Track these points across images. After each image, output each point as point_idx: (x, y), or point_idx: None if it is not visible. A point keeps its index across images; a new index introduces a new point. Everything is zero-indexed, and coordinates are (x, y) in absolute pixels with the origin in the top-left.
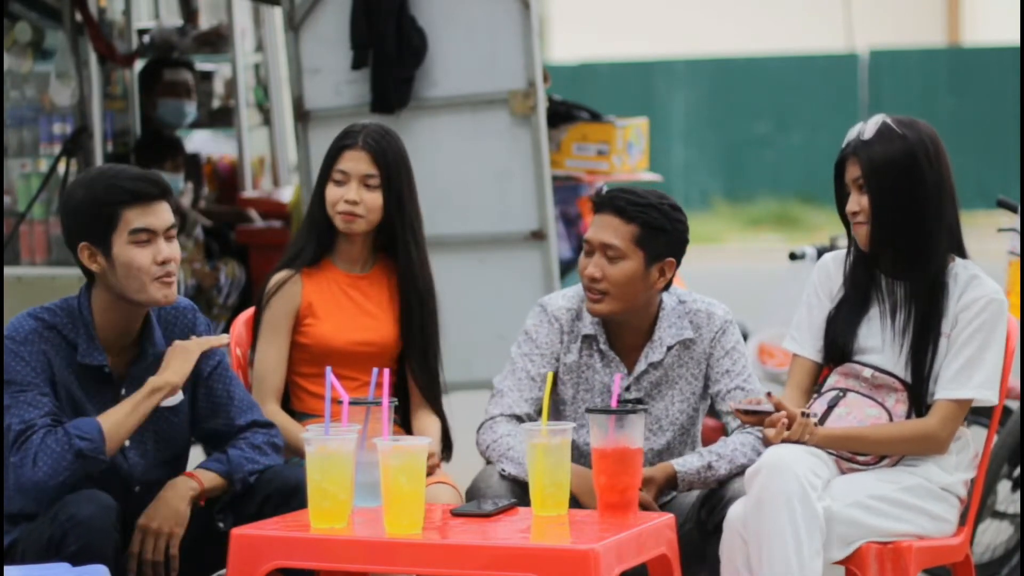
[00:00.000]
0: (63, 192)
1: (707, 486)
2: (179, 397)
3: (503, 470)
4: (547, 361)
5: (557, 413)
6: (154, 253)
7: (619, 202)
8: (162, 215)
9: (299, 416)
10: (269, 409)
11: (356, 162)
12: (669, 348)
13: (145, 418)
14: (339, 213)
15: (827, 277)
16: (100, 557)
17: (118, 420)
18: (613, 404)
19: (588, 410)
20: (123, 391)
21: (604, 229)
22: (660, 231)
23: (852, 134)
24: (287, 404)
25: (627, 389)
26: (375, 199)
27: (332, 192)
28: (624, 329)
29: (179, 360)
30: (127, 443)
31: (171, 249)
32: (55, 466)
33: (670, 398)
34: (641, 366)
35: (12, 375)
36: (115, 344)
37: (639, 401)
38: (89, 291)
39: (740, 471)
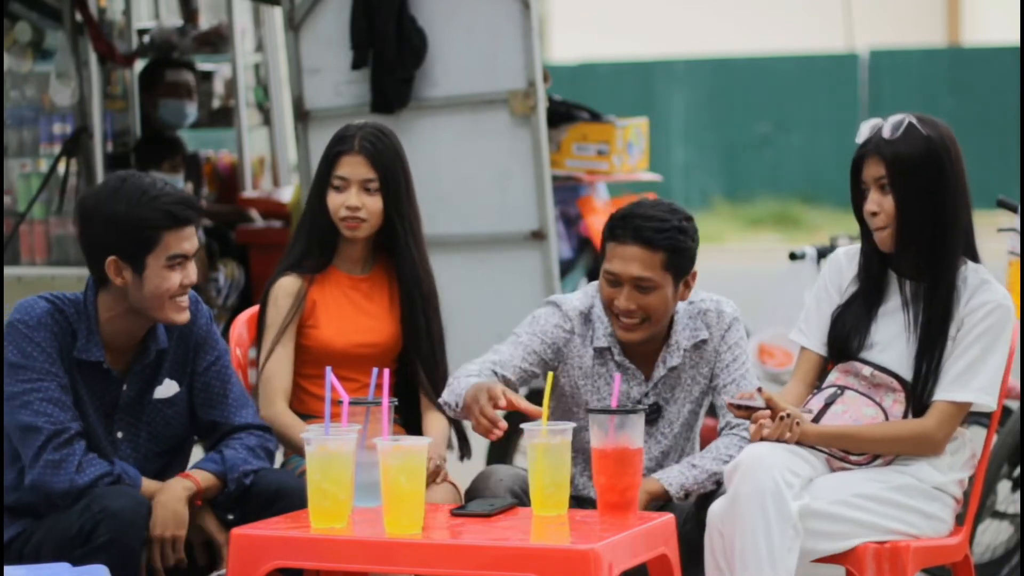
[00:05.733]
0: (90, 200)
1: (704, 487)
2: (174, 388)
3: (441, 400)
4: (548, 348)
5: (571, 416)
6: (183, 276)
7: (644, 232)
8: (194, 239)
9: (301, 418)
10: (278, 409)
11: (354, 167)
12: (686, 351)
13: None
14: (342, 220)
15: (838, 272)
16: (128, 551)
17: (151, 489)
18: (613, 404)
19: (588, 410)
20: (124, 387)
21: (631, 263)
22: (684, 250)
23: (867, 131)
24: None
25: (646, 395)
26: (375, 203)
27: (333, 199)
28: (640, 340)
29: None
30: (119, 434)
31: (195, 271)
32: (96, 478)
33: (682, 400)
34: (660, 371)
35: (27, 360)
36: (119, 343)
37: (656, 407)
38: (96, 291)
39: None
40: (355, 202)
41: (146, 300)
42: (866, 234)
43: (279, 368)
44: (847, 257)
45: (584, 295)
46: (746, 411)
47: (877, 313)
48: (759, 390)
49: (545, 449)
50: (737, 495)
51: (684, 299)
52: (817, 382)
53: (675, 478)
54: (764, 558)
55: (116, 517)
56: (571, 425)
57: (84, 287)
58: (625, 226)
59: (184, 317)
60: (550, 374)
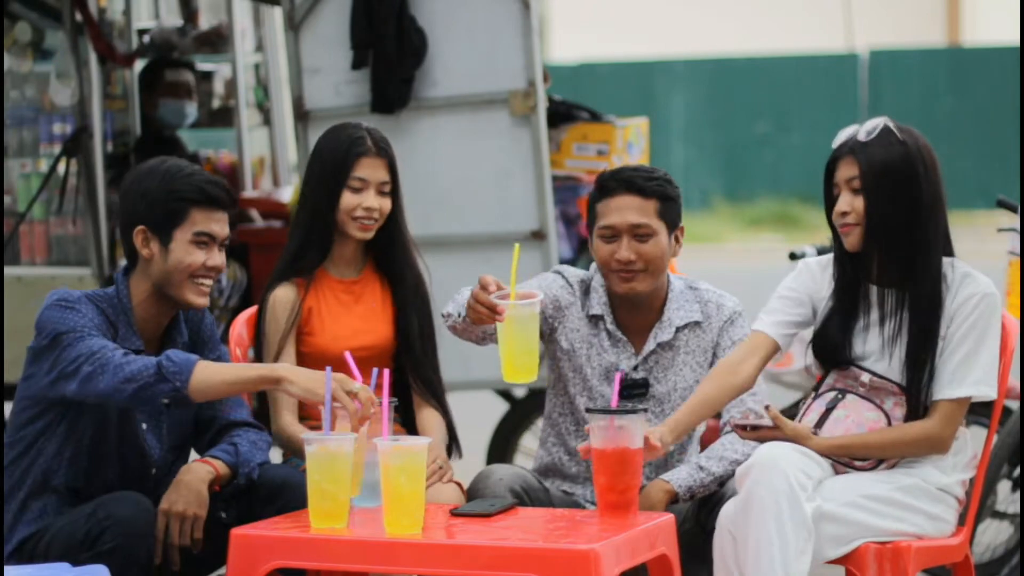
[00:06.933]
0: (129, 176)
1: (708, 489)
2: None
3: (444, 312)
4: (550, 302)
5: (565, 381)
6: (207, 257)
7: (635, 181)
8: (224, 225)
9: (301, 421)
10: (285, 421)
11: (374, 169)
12: (679, 329)
13: (239, 391)
14: (356, 219)
15: (812, 279)
16: (134, 558)
17: (214, 370)
18: (613, 404)
19: (588, 410)
20: None
21: (628, 211)
22: (673, 200)
23: (845, 135)
24: None
25: (635, 369)
26: (387, 204)
27: (349, 199)
28: (634, 309)
29: (309, 378)
30: (144, 426)
31: (221, 258)
32: (137, 373)
33: (674, 382)
34: (650, 345)
35: (69, 325)
36: (149, 333)
37: (645, 382)
38: (127, 280)
39: (736, 466)
40: (373, 203)
41: (168, 274)
42: (838, 240)
43: (278, 395)
44: (820, 267)
45: (586, 270)
46: (753, 431)
47: (860, 325)
48: (767, 408)
49: (512, 319)
50: (750, 497)
51: (676, 255)
52: (765, 364)
53: (684, 480)
54: (777, 561)
55: (122, 525)
56: (538, 297)
57: (113, 282)
58: (615, 179)
59: (203, 302)
60: (516, 246)
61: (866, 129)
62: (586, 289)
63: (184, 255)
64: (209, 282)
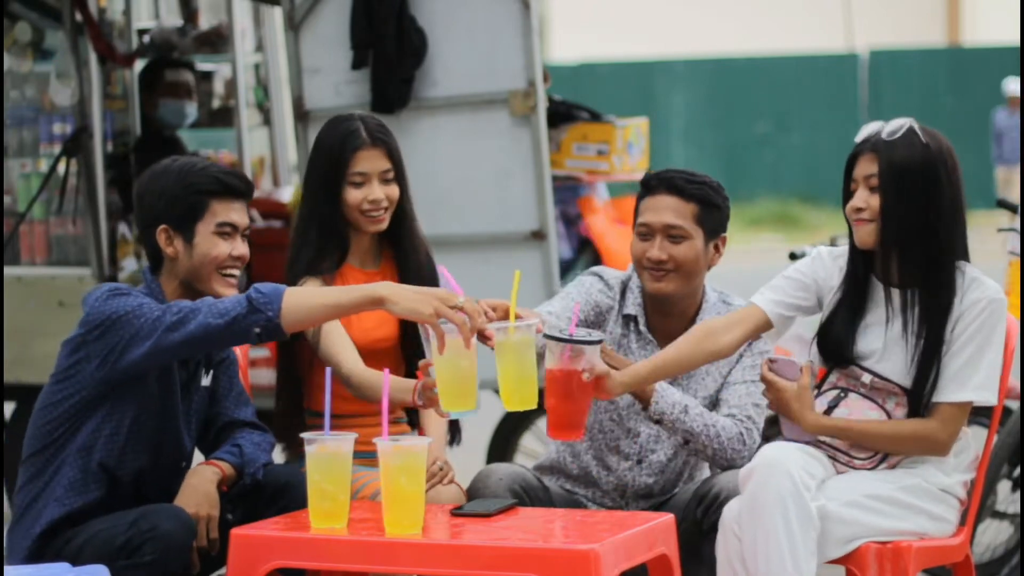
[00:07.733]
0: (144, 177)
1: (675, 430)
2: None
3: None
4: (592, 309)
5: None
6: (232, 247)
7: (676, 181)
8: (244, 214)
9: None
10: (348, 358)
11: (373, 160)
12: None
13: (336, 315)
14: (364, 214)
15: (823, 268)
16: (171, 572)
17: (306, 296)
18: (571, 330)
19: (546, 335)
20: (184, 373)
21: (664, 211)
22: (716, 208)
23: (868, 131)
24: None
25: None
26: (394, 191)
27: (353, 195)
28: (667, 314)
29: (412, 297)
30: (180, 421)
31: (245, 247)
32: (228, 308)
33: (695, 391)
34: None
35: (133, 304)
36: None
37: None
38: (156, 278)
39: (713, 450)
40: (379, 195)
41: (195, 269)
42: (853, 235)
43: (337, 336)
44: (832, 258)
45: (626, 271)
46: (774, 372)
47: (865, 322)
48: (810, 362)
49: (505, 347)
50: (756, 498)
51: (714, 264)
52: (751, 337)
53: (666, 405)
54: (788, 561)
55: (164, 539)
56: (535, 322)
57: (143, 280)
58: (658, 179)
59: (232, 293)
60: (516, 273)
61: (890, 128)
62: (623, 289)
63: (209, 248)
64: (237, 272)
